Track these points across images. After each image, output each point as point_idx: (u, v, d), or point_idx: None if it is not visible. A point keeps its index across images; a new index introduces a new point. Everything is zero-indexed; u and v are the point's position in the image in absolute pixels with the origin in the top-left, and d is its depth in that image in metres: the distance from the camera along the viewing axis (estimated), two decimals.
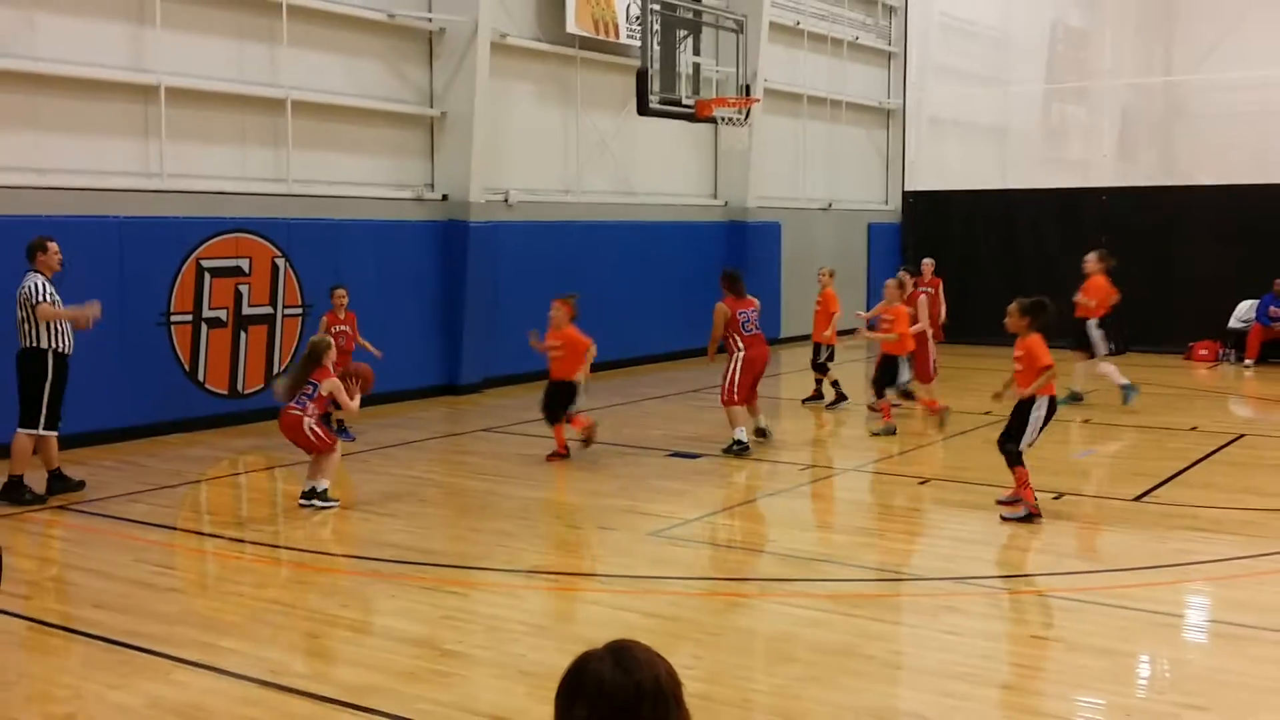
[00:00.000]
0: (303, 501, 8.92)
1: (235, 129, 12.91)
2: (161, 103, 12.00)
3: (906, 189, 22.91)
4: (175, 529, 8.66)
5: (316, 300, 12.76)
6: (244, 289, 12.59)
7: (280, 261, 12.92)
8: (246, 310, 12.61)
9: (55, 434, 9.23)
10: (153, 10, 11.89)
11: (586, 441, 10.89)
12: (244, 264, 12.58)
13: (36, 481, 9.23)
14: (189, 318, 12.09)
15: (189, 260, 12.04)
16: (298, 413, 8.87)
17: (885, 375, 12.23)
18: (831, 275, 14.26)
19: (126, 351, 11.49)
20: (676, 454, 11.08)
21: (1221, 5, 20.75)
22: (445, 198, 14.90)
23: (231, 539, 8.21)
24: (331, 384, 8.95)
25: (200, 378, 12.23)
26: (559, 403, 10.69)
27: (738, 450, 10.97)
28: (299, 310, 13.06)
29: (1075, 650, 5.98)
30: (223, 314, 12.42)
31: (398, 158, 14.71)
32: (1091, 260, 13.74)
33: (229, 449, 11.36)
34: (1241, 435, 12.02)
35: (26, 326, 8.98)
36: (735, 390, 11.15)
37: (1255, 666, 5.82)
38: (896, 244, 22.69)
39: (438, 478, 10.55)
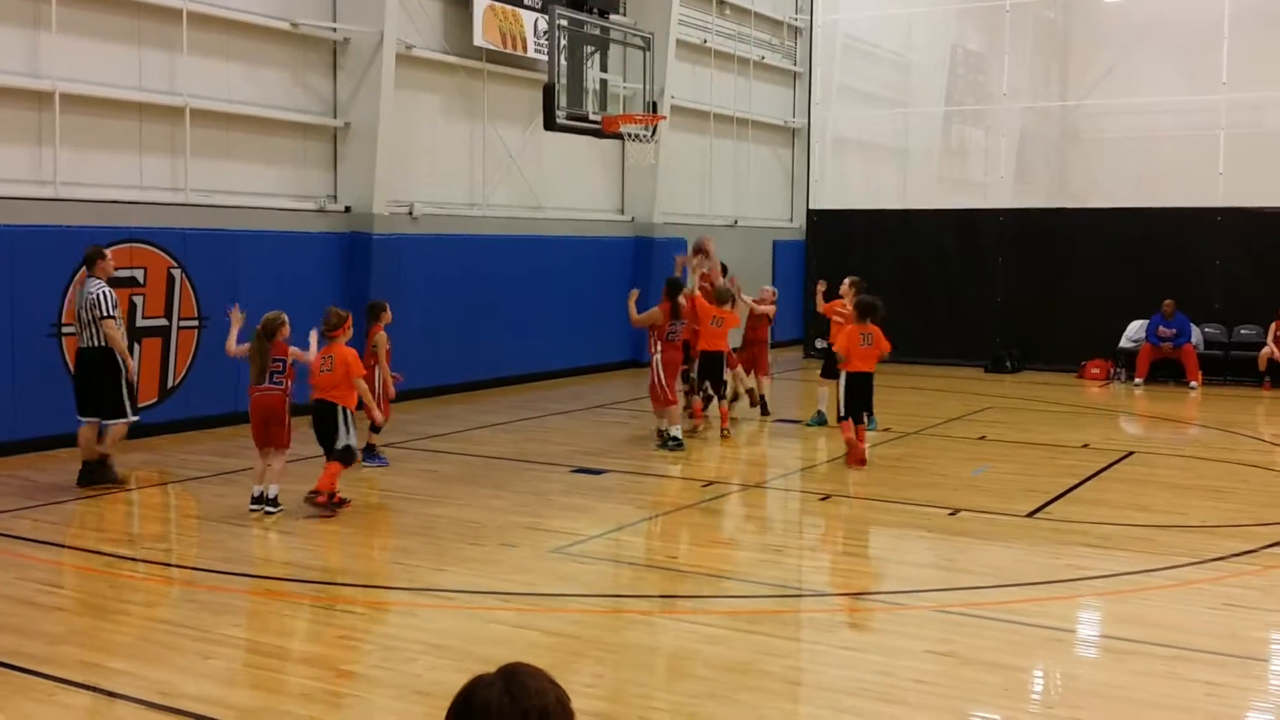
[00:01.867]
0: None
1: (132, 137, 12.62)
2: (56, 109, 11.69)
3: (811, 207, 23.21)
4: (63, 546, 8.40)
5: (213, 312, 12.49)
6: (138, 300, 12.28)
7: (176, 272, 12.64)
8: (140, 322, 12.30)
9: (134, 420, 10.27)
10: (48, 15, 11.58)
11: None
12: (139, 274, 12.28)
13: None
14: None
15: (81, 270, 11.69)
16: (278, 391, 8.97)
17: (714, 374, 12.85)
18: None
19: (16, 363, 11.14)
20: (581, 470, 11.05)
21: (1112, 33, 21.44)
22: (348, 209, 14.72)
23: (121, 556, 7.98)
24: (294, 353, 9.15)
25: None
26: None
27: (673, 446, 11.80)
28: (195, 322, 12.78)
29: (969, 665, 6.08)
30: None
31: (300, 168, 14.51)
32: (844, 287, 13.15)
33: (121, 463, 11.03)
34: (1131, 452, 12.37)
35: (94, 328, 9.84)
36: (669, 391, 11.98)
37: (1141, 680, 5.97)
38: (801, 261, 22.98)
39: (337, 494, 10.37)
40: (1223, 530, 9.08)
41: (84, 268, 10.21)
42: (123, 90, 12.40)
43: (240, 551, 8.28)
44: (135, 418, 10.32)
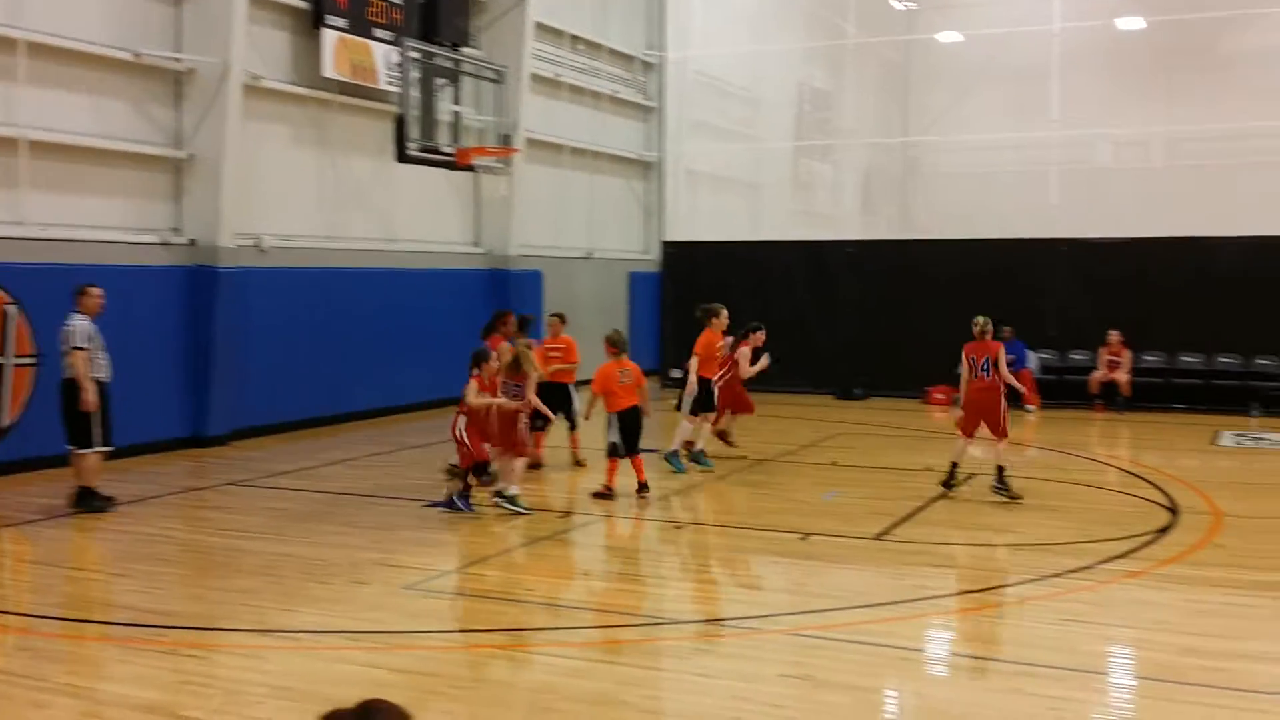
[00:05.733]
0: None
1: None
2: None
3: (666, 239, 23.48)
4: None
5: (50, 350, 11.97)
6: None
7: (11, 308, 12.08)
8: None
9: (106, 449, 10.60)
10: None
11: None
12: None
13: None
14: None
15: None
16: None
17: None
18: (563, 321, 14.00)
19: None
20: (434, 504, 10.90)
21: (950, 73, 22.35)
22: (193, 242, 14.30)
23: None
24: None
25: None
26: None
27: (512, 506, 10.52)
28: (31, 360, 12.22)
29: (821, 687, 6.17)
30: None
31: (143, 201, 14.05)
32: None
33: None
34: (973, 475, 12.77)
35: (68, 360, 10.35)
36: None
37: (988, 697, 6.15)
38: (657, 292, 23.19)
39: (178, 534, 10.03)
40: (1059, 548, 9.43)
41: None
42: None
43: (76, 596, 7.93)
44: (105, 448, 10.59)
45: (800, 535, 9.61)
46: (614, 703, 5.97)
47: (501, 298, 19.03)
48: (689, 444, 12.93)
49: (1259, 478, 13.47)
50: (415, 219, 18.21)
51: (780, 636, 7.12)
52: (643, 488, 11.13)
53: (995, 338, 11.52)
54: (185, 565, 8.97)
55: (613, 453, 11.17)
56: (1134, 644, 7.11)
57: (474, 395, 10.27)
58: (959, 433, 11.50)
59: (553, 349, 13.04)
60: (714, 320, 13.04)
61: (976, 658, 6.84)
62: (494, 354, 10.84)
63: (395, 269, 17.32)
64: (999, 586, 8.32)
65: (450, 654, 6.95)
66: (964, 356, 11.37)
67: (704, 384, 12.84)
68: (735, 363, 13.60)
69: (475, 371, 10.35)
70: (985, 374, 11.17)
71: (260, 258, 15.17)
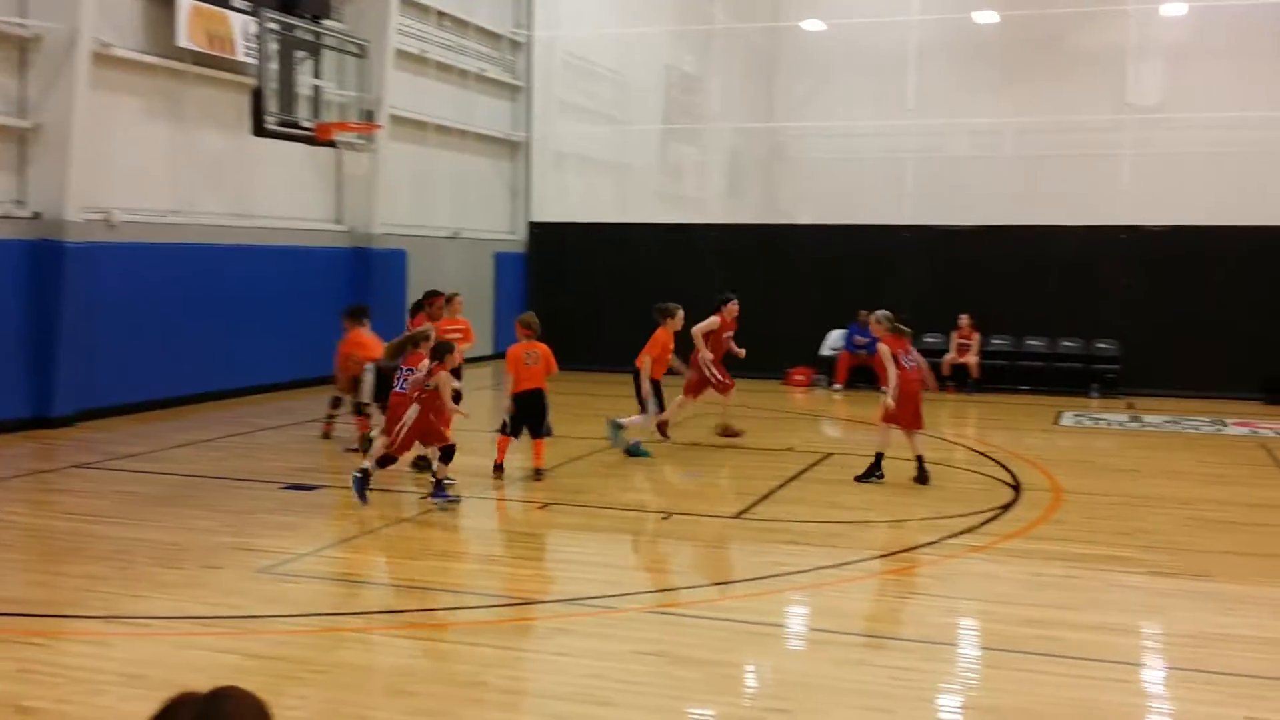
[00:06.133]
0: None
1: None
2: None
3: (533, 220, 23.42)
4: None
5: None
6: None
7: None
8: None
9: None
10: None
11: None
12: None
13: None
14: None
15: None
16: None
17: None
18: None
19: None
20: (292, 486, 10.72)
21: (814, 60, 22.71)
22: (38, 216, 13.74)
23: None
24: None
25: None
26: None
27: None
28: None
29: (676, 663, 6.29)
30: None
31: None
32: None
33: None
34: (830, 454, 13.11)
35: None
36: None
37: (835, 669, 6.34)
38: (523, 273, 23.13)
39: (20, 519, 9.67)
40: (908, 524, 9.76)
41: None
42: None
43: None
44: None
45: (661, 515, 9.74)
46: (473, 684, 5.99)
47: (364, 277, 18.75)
48: (662, 423, 12.97)
49: (1097, 456, 14.12)
50: (274, 195, 17.79)
51: (638, 614, 7.22)
52: (498, 469, 11.17)
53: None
54: (29, 551, 8.67)
55: (503, 430, 11.16)
56: (976, 616, 7.41)
57: (446, 386, 9.96)
58: (889, 425, 11.34)
59: (452, 329, 12.95)
60: (668, 320, 12.90)
61: (827, 631, 7.05)
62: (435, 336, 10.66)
63: (252, 246, 16.90)
64: (852, 562, 8.57)
65: (306, 638, 6.86)
66: (888, 353, 11.42)
67: (654, 385, 12.72)
68: (721, 341, 13.35)
69: (437, 362, 9.98)
70: (909, 367, 11.38)
71: (110, 233, 14.64)
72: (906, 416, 11.20)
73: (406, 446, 10.11)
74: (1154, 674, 6.53)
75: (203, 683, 2.23)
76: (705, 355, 13.32)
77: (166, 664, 6.19)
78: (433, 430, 9.98)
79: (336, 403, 13.21)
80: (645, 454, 12.54)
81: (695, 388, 13.48)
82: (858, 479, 11.24)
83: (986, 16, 21.28)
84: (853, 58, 21.93)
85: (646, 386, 12.74)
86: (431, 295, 12.74)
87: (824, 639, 6.95)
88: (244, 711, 2.13)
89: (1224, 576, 8.26)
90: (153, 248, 15.20)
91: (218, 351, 16.10)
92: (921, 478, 11.11)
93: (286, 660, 6.35)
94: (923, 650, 6.70)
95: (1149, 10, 20.51)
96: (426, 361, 9.96)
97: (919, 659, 6.54)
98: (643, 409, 12.91)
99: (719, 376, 13.41)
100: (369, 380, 11.77)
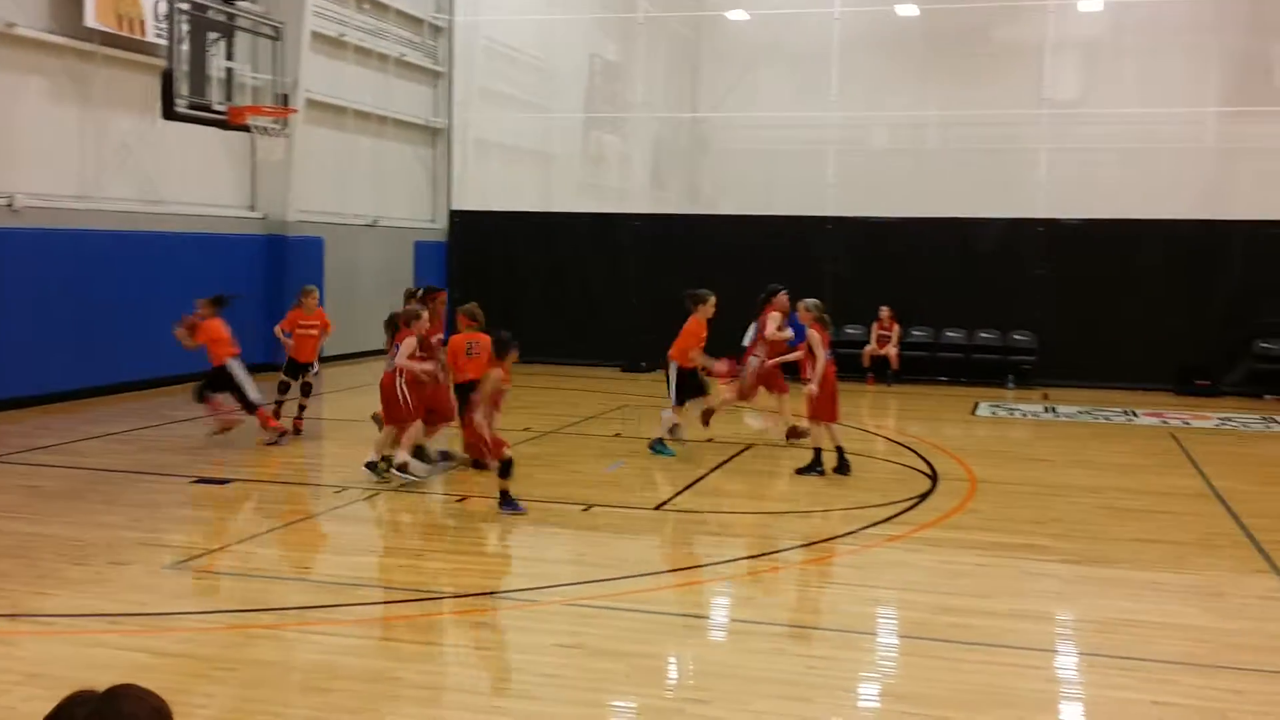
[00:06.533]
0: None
1: None
2: None
3: (453, 208, 23.18)
4: None
5: None
6: None
7: None
8: None
9: None
10: None
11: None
12: None
13: None
14: None
15: None
16: None
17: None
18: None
19: None
20: (203, 480, 10.47)
21: (738, 51, 22.78)
22: None
23: None
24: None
25: None
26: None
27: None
28: None
29: (596, 655, 6.24)
30: None
31: None
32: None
33: None
34: (750, 445, 13.14)
35: None
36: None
37: (752, 658, 6.33)
38: (443, 262, 22.88)
39: None
40: (828, 514, 9.81)
41: None
42: None
43: None
44: None
45: (582, 506, 9.68)
46: (389, 680, 5.89)
47: (279, 265, 18.42)
48: (675, 427, 12.39)
49: (1011, 446, 14.35)
50: (184, 180, 17.37)
51: (558, 607, 7.15)
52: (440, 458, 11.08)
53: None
54: None
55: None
56: (892, 604, 7.46)
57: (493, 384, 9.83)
58: (816, 419, 11.28)
59: (308, 324, 12.74)
60: (700, 307, 12.45)
61: (747, 621, 7.04)
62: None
63: (162, 232, 16.50)
64: (771, 553, 8.59)
65: (215, 635, 6.69)
66: (817, 340, 11.41)
67: (688, 373, 12.31)
68: (764, 339, 12.84)
69: (498, 359, 9.80)
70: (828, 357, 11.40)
71: (13, 218, 14.19)
72: (828, 408, 11.24)
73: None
74: (1066, 660, 6.62)
75: (107, 681, 2.16)
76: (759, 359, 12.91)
77: (70, 663, 5.99)
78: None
79: (285, 388, 13.00)
80: (670, 453, 12.14)
81: (751, 390, 13.05)
82: (799, 471, 11.24)
83: (908, 9, 21.48)
84: (776, 49, 22.02)
85: (681, 377, 12.21)
86: (431, 291, 12.02)
87: (743, 629, 6.94)
88: (140, 709, 2.08)
89: (1133, 563, 8.41)
90: (58, 234, 14.77)
91: (125, 341, 15.68)
92: (842, 468, 11.17)
93: (194, 658, 6.18)
94: (840, 639, 6.73)
95: (1067, 5, 20.84)
96: (412, 340, 10.43)
97: (837, 648, 6.57)
98: (678, 402, 12.38)
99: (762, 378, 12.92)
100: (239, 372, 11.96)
